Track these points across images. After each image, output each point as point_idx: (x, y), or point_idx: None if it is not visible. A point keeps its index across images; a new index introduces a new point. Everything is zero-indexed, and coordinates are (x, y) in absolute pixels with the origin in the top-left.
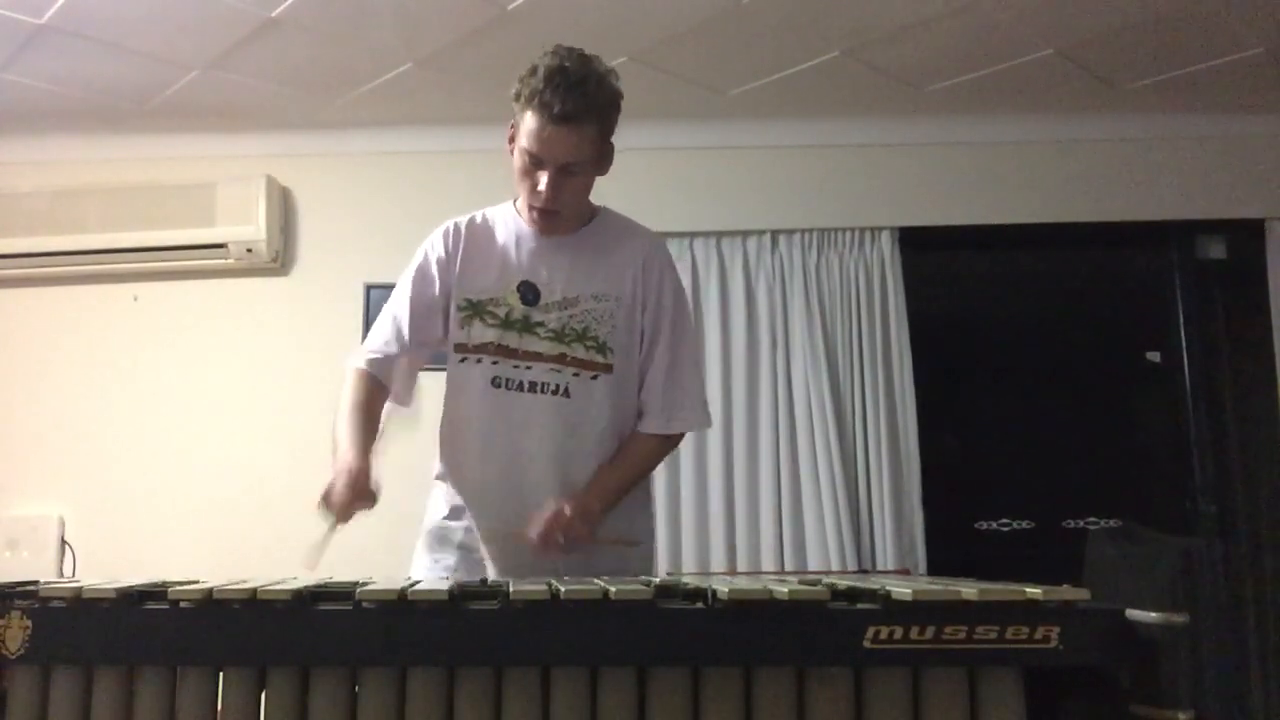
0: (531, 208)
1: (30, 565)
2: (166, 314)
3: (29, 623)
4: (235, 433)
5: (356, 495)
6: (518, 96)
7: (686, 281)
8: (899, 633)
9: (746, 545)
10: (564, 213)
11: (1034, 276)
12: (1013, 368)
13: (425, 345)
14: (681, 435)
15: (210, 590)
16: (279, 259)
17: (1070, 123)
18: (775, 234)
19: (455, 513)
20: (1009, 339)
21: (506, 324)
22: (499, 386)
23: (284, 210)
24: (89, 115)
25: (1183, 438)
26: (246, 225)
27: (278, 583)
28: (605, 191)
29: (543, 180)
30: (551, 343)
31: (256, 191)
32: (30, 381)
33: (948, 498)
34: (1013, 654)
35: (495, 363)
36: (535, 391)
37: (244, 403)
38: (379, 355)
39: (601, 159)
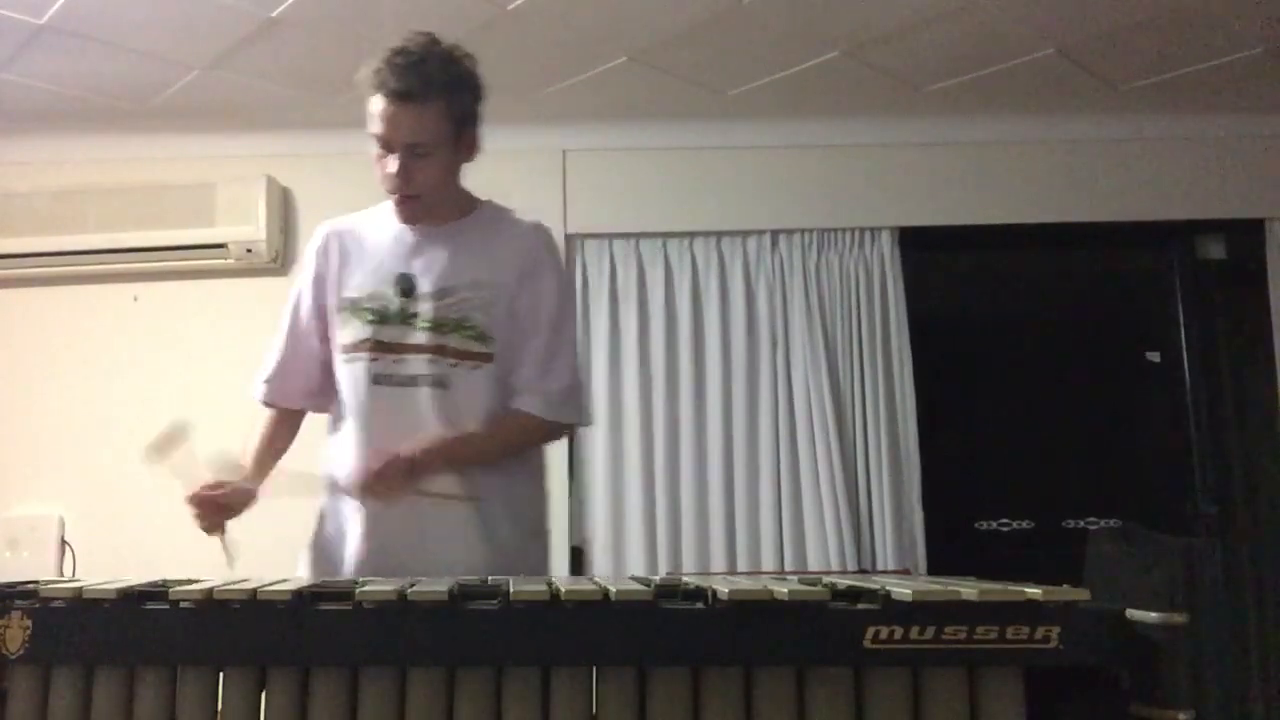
0: (389, 194)
1: (30, 565)
2: (166, 314)
3: (29, 623)
4: (235, 433)
5: (224, 505)
6: (361, 82)
7: (687, 281)
8: (899, 633)
9: (746, 545)
10: (425, 198)
11: (1034, 276)
12: (1013, 368)
13: (309, 360)
14: (560, 429)
15: (210, 590)
16: (279, 259)
17: (1070, 123)
18: (775, 234)
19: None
20: (1009, 339)
21: (384, 319)
22: (379, 383)
23: (284, 210)
24: (89, 115)
25: (1183, 438)
26: (246, 225)
27: (278, 583)
28: (605, 191)
29: (392, 164)
30: (428, 333)
31: (256, 191)
32: (30, 381)
33: (948, 498)
34: (1013, 654)
35: (374, 359)
36: (414, 385)
37: (244, 403)
38: (271, 384)
39: (458, 142)
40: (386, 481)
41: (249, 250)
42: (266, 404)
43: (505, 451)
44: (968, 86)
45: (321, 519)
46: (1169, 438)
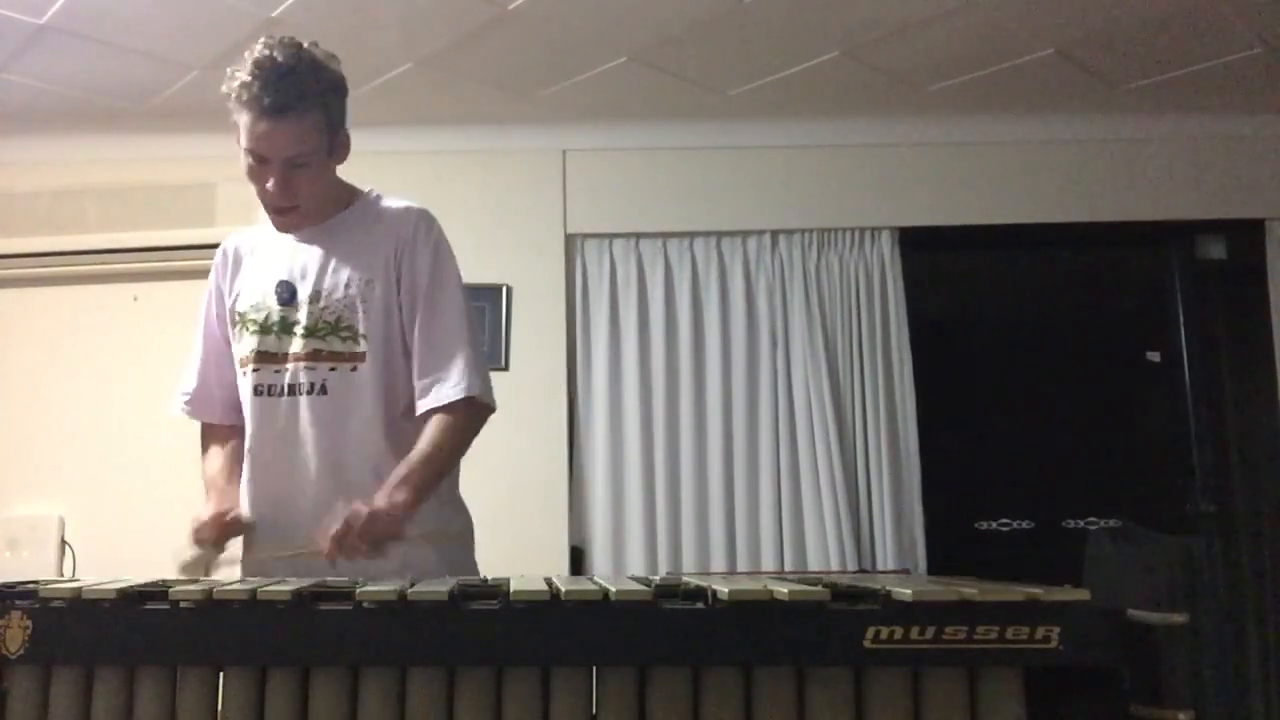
0: (267, 208)
1: (30, 565)
2: (166, 314)
3: (29, 623)
4: None
5: (220, 532)
6: (229, 94)
7: (687, 281)
8: (899, 633)
9: (746, 545)
10: (303, 206)
11: (1034, 276)
12: (1013, 368)
13: (225, 372)
14: (480, 410)
15: (210, 590)
16: None
17: (1070, 123)
18: (775, 234)
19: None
20: (1009, 339)
21: (265, 328)
22: (261, 394)
23: None
24: (89, 115)
25: (1183, 438)
26: (246, 225)
27: (277, 582)
28: (605, 191)
29: (270, 177)
30: (305, 339)
31: None
32: (30, 381)
33: (948, 498)
34: (1013, 654)
35: (257, 370)
36: (295, 394)
37: None
38: (186, 398)
39: (333, 147)
40: (381, 532)
41: None
42: (191, 417)
43: (449, 458)
44: (968, 86)
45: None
46: (1169, 438)
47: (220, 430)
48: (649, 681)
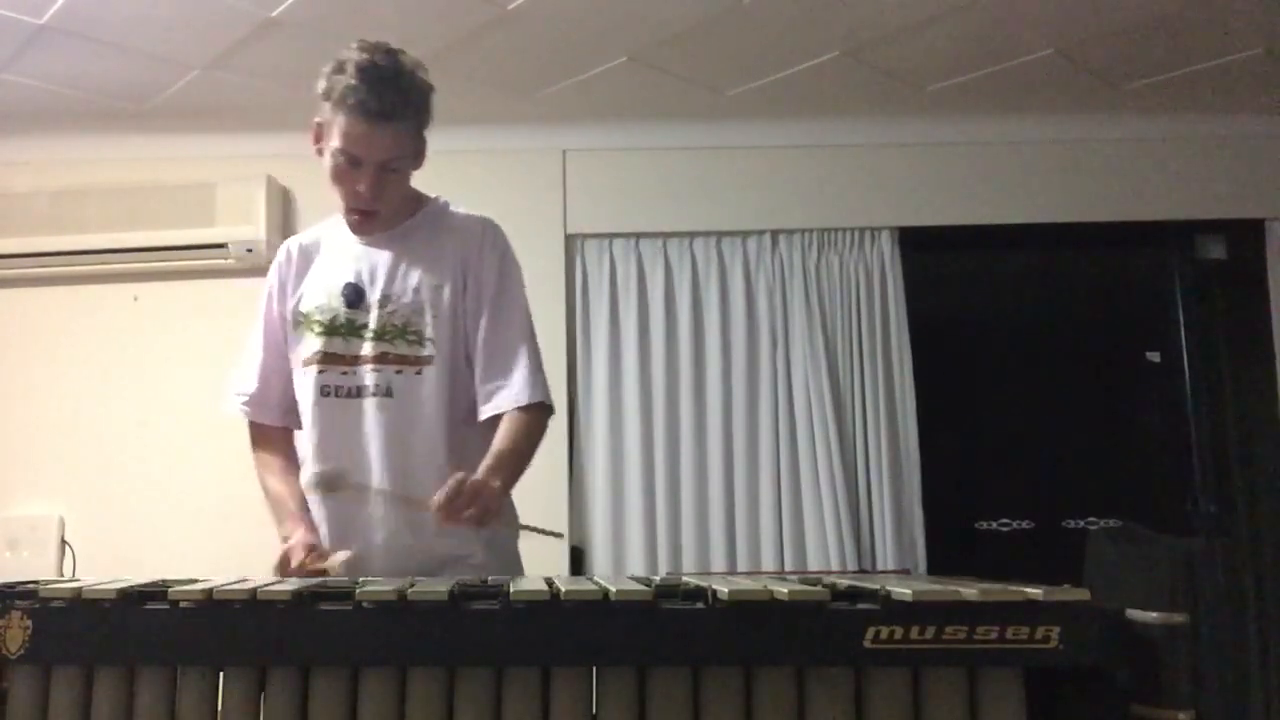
0: (349, 209)
1: (30, 565)
2: (166, 314)
3: (29, 623)
4: (235, 433)
5: (314, 561)
6: (327, 95)
7: (687, 281)
8: (899, 633)
9: (746, 545)
10: (384, 210)
11: (1034, 276)
12: (1013, 367)
13: (285, 374)
14: (545, 414)
15: (210, 590)
16: None
17: (1070, 123)
18: (775, 234)
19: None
20: (1009, 339)
21: (331, 330)
22: (327, 395)
23: (284, 210)
24: (89, 115)
25: (1183, 438)
26: (246, 225)
27: (277, 582)
28: (605, 191)
29: (363, 181)
30: (373, 342)
31: (256, 191)
32: (30, 381)
33: (948, 498)
34: (1013, 654)
35: (322, 371)
36: (361, 396)
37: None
38: (246, 398)
39: (418, 154)
40: (485, 505)
41: (249, 250)
42: (249, 419)
43: (530, 456)
44: (968, 86)
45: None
46: (1169, 438)
47: (275, 433)
48: (649, 681)
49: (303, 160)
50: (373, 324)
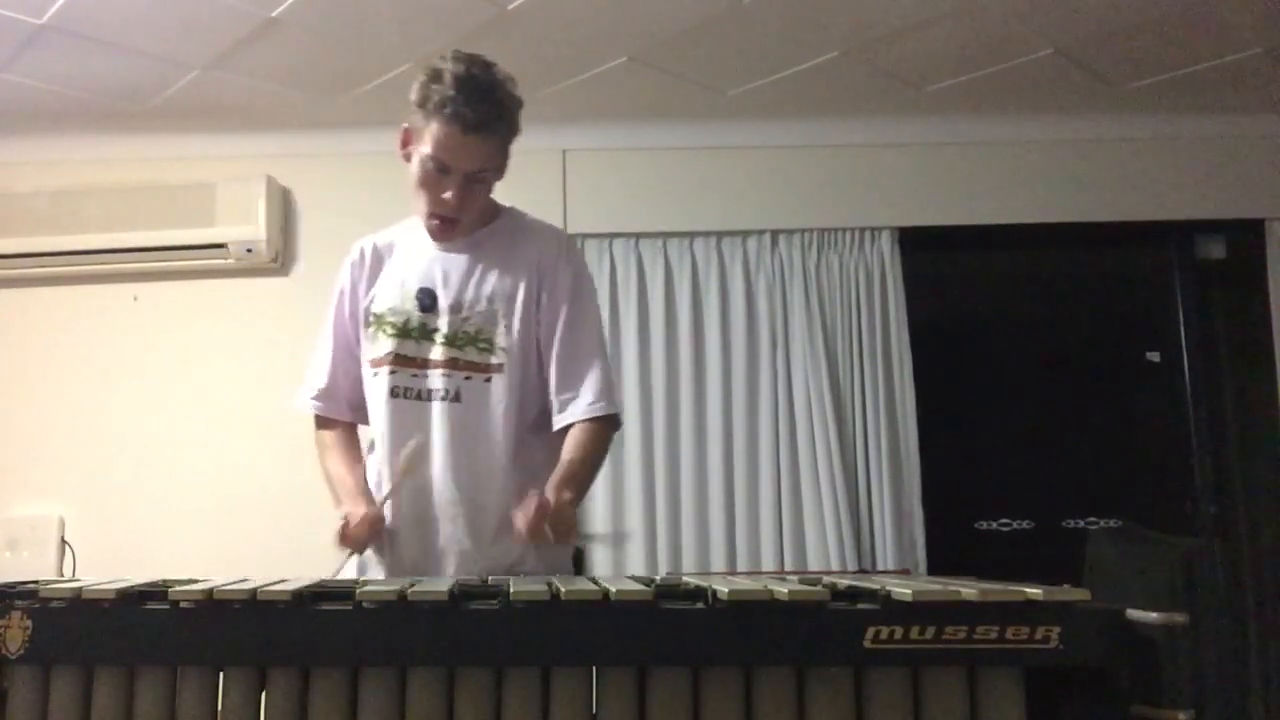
0: (432, 215)
1: (30, 565)
2: (166, 314)
3: (29, 623)
4: (235, 432)
5: (371, 534)
6: (423, 103)
7: (687, 281)
8: (899, 633)
9: (746, 545)
10: (466, 219)
11: (1034, 276)
12: (1012, 368)
13: (354, 371)
14: (611, 424)
15: (210, 590)
16: (279, 259)
17: (1070, 123)
18: (775, 234)
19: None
20: (1009, 339)
21: (404, 332)
22: (396, 396)
23: (284, 210)
24: (89, 115)
25: (1183, 438)
26: (246, 225)
27: (278, 583)
28: (605, 191)
29: (450, 189)
30: (445, 348)
31: (256, 191)
32: (30, 381)
33: (948, 498)
34: (1013, 654)
35: (394, 372)
36: (430, 399)
37: (244, 403)
38: (316, 394)
39: (502, 166)
40: (566, 525)
41: (249, 250)
42: (320, 414)
43: (599, 466)
44: (968, 86)
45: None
46: (1169, 438)
47: (341, 427)
48: (649, 681)
49: (303, 160)
50: (445, 329)
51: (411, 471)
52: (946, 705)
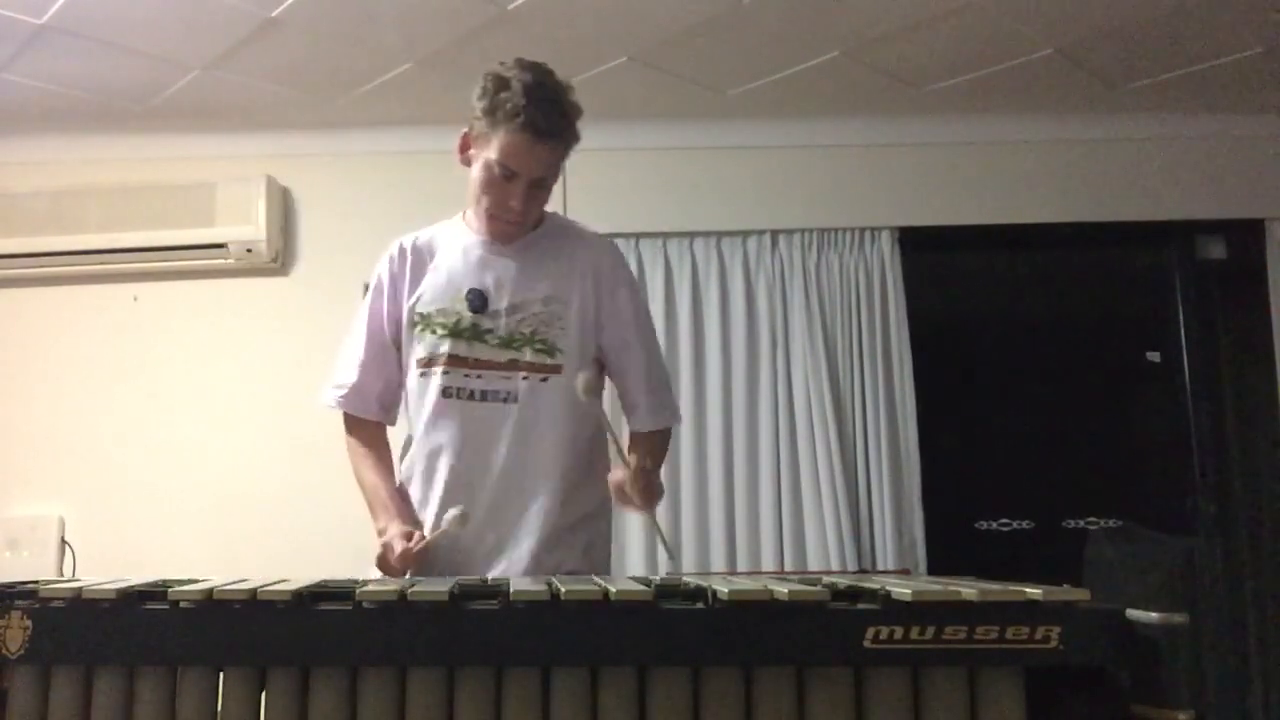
0: (494, 218)
1: (30, 565)
2: (166, 314)
3: (29, 623)
4: (235, 432)
5: (412, 562)
6: (492, 110)
7: (687, 281)
8: (899, 633)
9: (746, 545)
10: (526, 224)
11: (1034, 276)
12: (1013, 367)
13: (386, 369)
14: (670, 432)
15: (210, 590)
16: (279, 259)
17: (1070, 123)
18: (775, 234)
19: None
20: (1009, 339)
21: (455, 333)
22: (449, 396)
23: (284, 210)
24: (89, 115)
25: (1183, 438)
26: (246, 225)
27: (278, 582)
28: (605, 191)
29: (515, 194)
30: (500, 349)
31: (256, 191)
32: (30, 381)
33: (948, 498)
34: (1013, 654)
35: (446, 373)
36: (486, 400)
37: (244, 403)
38: (345, 391)
39: (559, 172)
40: (655, 491)
41: (249, 250)
42: (346, 410)
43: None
44: (968, 86)
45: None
46: (1169, 438)
47: (369, 426)
48: (649, 681)
49: (303, 160)
50: (500, 331)
51: (451, 535)
52: (946, 705)
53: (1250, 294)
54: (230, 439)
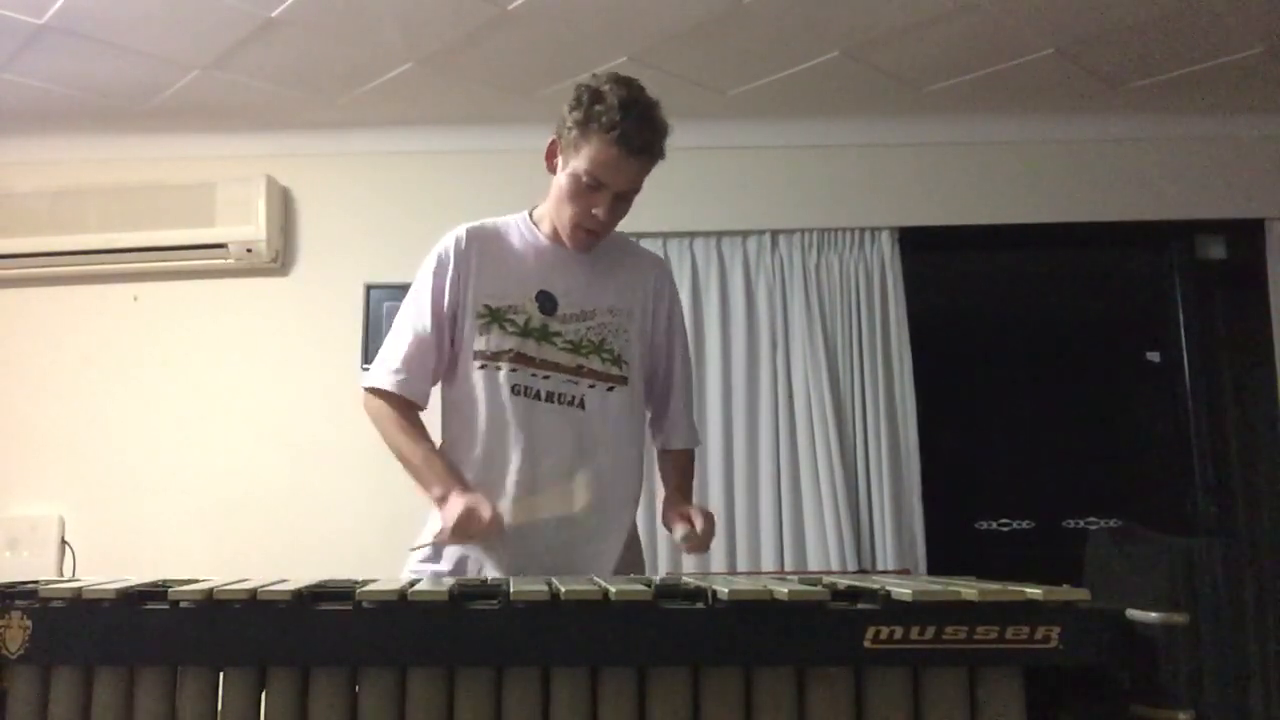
0: (577, 227)
1: (30, 565)
2: (166, 314)
3: (29, 623)
4: (235, 432)
5: (491, 524)
6: (585, 121)
7: (687, 281)
8: (899, 633)
9: (746, 545)
10: (605, 234)
11: (1034, 276)
12: (1012, 367)
13: (438, 353)
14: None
15: (210, 590)
16: (279, 259)
17: (1070, 123)
18: (775, 234)
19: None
20: (1009, 339)
21: (525, 332)
22: (518, 394)
23: (284, 210)
24: (89, 115)
25: (1183, 438)
26: (246, 225)
27: (278, 583)
28: None
29: (600, 205)
30: (569, 354)
31: (256, 191)
32: (30, 381)
33: (948, 498)
34: (1013, 654)
35: (514, 370)
36: (552, 401)
37: (244, 403)
38: (403, 375)
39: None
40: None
41: (249, 250)
42: (402, 394)
43: None
44: (968, 86)
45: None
46: (1169, 438)
47: (408, 408)
48: (649, 681)
49: (303, 160)
50: (569, 335)
51: (523, 519)
52: (946, 705)
53: (1250, 294)
54: (230, 439)
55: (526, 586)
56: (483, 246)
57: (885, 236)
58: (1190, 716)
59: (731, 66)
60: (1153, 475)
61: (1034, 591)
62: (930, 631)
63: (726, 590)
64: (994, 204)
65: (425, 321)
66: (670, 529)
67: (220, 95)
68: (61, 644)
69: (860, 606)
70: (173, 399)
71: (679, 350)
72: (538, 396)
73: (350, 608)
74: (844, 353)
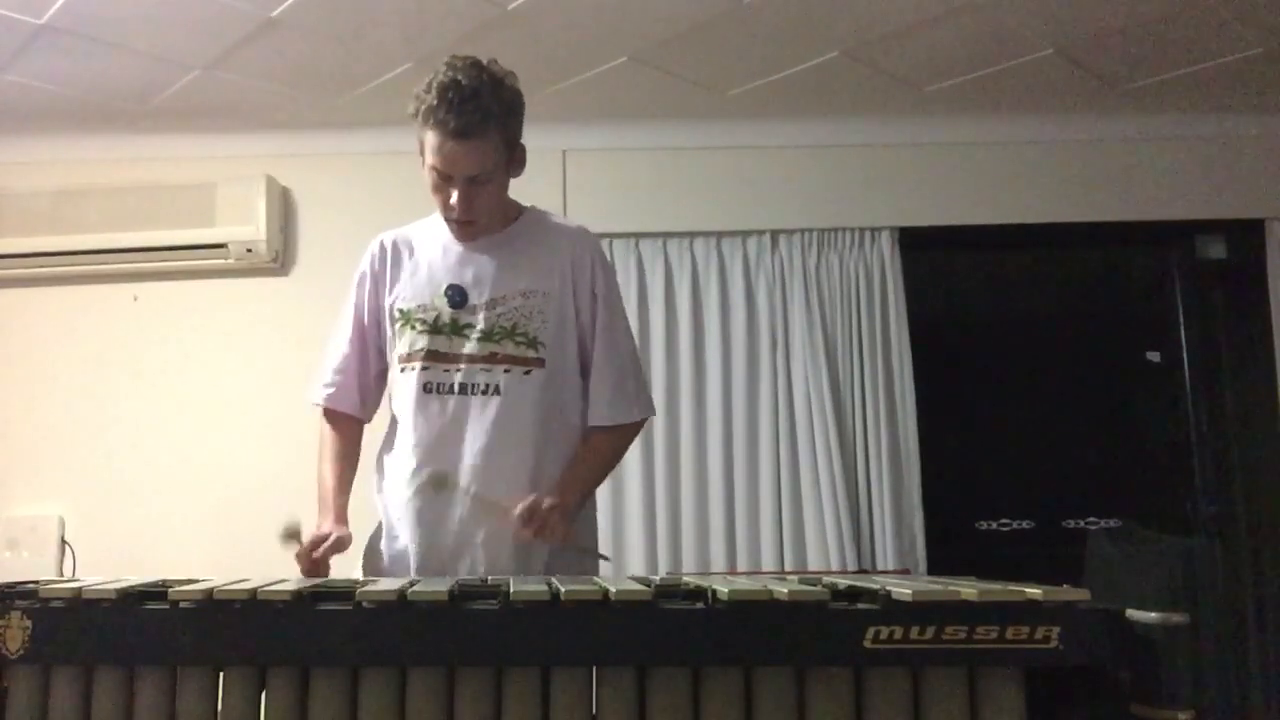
0: (446, 220)
1: (30, 565)
2: (166, 314)
3: (29, 623)
4: (235, 432)
5: (324, 557)
6: (415, 113)
7: (687, 281)
8: (899, 633)
9: (746, 545)
10: (481, 220)
11: (1034, 276)
12: (1012, 367)
13: (368, 365)
14: (637, 425)
15: (210, 590)
16: (279, 259)
17: (1070, 123)
18: (775, 234)
19: (382, 532)
20: (1009, 339)
21: (435, 329)
22: (429, 391)
23: (284, 210)
24: (89, 115)
25: (1183, 438)
26: (246, 225)
27: (278, 583)
28: (605, 191)
29: (453, 194)
30: (481, 343)
31: (256, 191)
32: (30, 381)
33: (948, 498)
34: (1013, 654)
35: (426, 368)
36: (465, 393)
37: (244, 403)
38: (332, 388)
39: (511, 163)
40: (552, 528)
41: (249, 250)
42: (332, 407)
43: (608, 470)
44: (968, 86)
45: (378, 527)
46: (1169, 438)
47: (346, 423)
48: (649, 681)
49: (303, 160)
50: (480, 325)
51: (429, 494)
52: (946, 705)
53: (1250, 294)
54: (230, 439)
55: (526, 586)
56: (395, 252)
57: (885, 236)
58: (1190, 716)
59: (731, 66)
60: (1153, 475)
61: (1034, 591)
62: (930, 631)
63: (726, 590)
64: (994, 204)
65: (348, 333)
66: None
67: (220, 95)
68: (61, 644)
69: (860, 606)
70: (173, 399)
71: (601, 321)
72: (450, 390)
73: (350, 608)
74: (844, 353)
